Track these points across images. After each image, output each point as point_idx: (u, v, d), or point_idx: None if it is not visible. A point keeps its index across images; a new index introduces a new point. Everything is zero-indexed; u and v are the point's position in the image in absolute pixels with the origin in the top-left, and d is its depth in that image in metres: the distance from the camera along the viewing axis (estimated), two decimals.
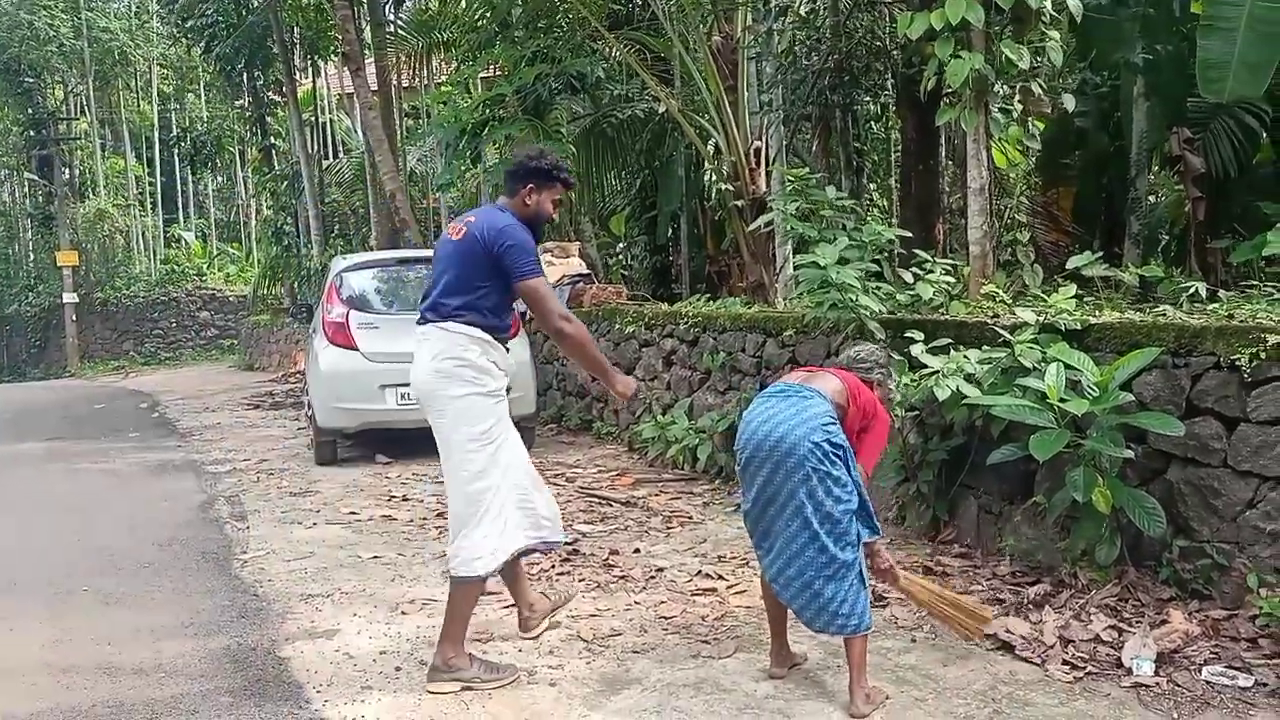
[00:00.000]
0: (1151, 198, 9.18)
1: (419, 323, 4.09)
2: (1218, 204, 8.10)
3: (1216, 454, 4.16)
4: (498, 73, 13.03)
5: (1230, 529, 4.13)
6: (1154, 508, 4.20)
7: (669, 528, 6.25)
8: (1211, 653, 3.84)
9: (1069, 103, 6.95)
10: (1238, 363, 4.03)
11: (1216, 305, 4.97)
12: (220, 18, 19.51)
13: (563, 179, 4.17)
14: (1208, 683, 3.65)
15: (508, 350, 4.15)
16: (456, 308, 3.98)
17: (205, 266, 32.26)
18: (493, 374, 4.03)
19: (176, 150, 29.18)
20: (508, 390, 4.14)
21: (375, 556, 5.87)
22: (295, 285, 20.77)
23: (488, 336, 4.01)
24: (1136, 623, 4.09)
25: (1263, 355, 3.96)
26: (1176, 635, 3.93)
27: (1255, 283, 5.48)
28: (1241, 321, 4.32)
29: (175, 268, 31.07)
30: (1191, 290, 5.43)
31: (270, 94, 22.42)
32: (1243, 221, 8.01)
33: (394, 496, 7.52)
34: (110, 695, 3.96)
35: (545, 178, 4.10)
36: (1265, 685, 3.60)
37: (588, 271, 11.20)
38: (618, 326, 9.34)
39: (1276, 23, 6.21)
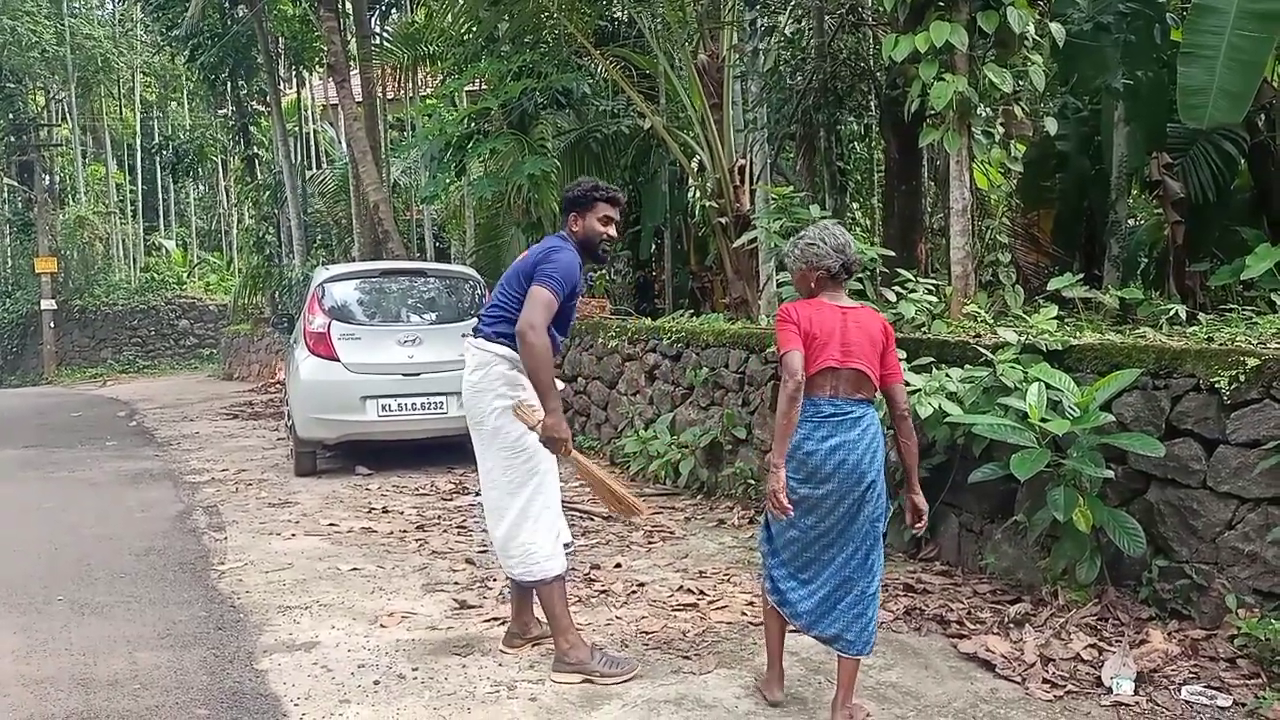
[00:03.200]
0: (1131, 221, 9.26)
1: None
2: (1196, 228, 8.19)
3: (1196, 475, 4.20)
4: (483, 87, 13.05)
5: (1209, 550, 4.16)
6: (1134, 528, 4.23)
7: (650, 543, 6.24)
8: (1190, 672, 3.86)
9: (1051, 126, 7.02)
10: (1217, 385, 4.07)
11: (1196, 328, 5.02)
12: (205, 26, 19.45)
13: (600, 197, 4.32)
14: (1187, 702, 3.67)
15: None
16: (496, 327, 4.22)
17: (185, 275, 32.07)
18: (526, 387, 4.14)
19: (158, 158, 29.01)
20: None
21: (354, 569, 5.83)
22: (276, 295, 20.68)
23: (517, 354, 4.12)
24: (1116, 642, 4.11)
25: (1242, 378, 4.00)
26: (1156, 655, 3.95)
27: (1233, 306, 5.55)
28: (1221, 344, 4.36)
29: (155, 276, 30.83)
30: (1172, 313, 5.48)
31: (254, 103, 22.35)
32: (1221, 246, 8.10)
33: (374, 509, 7.48)
34: (84, 706, 3.92)
35: (581, 203, 4.31)
36: (1244, 705, 3.62)
37: None
38: (601, 341, 9.34)
39: (1255, 52, 6.30)
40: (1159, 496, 4.35)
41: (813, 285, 3.67)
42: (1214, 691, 3.71)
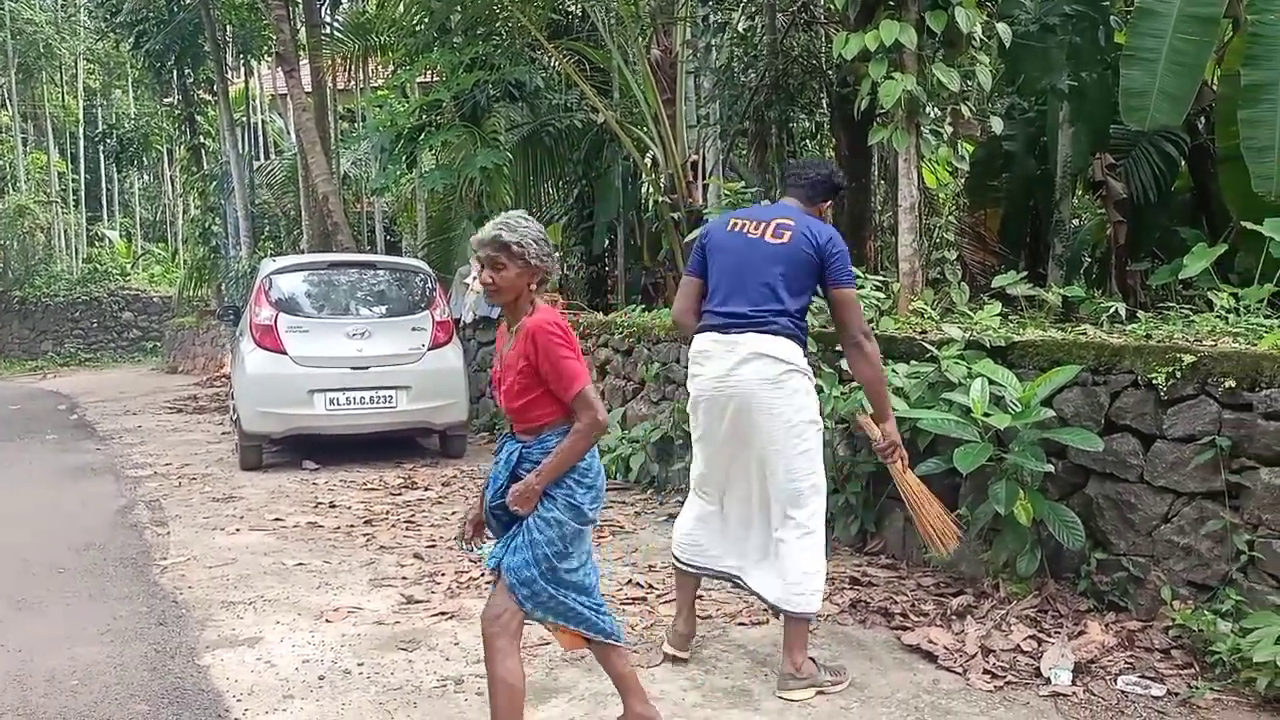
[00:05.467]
0: (1075, 221, 9.43)
1: (725, 330, 3.94)
2: (1138, 228, 8.35)
3: (1133, 469, 4.29)
4: (435, 78, 12.94)
5: (1146, 543, 4.25)
6: (1073, 521, 4.31)
7: (600, 537, 6.25)
8: (1126, 663, 3.95)
9: (997, 126, 7.12)
10: (1154, 381, 4.15)
11: (1135, 325, 5.12)
12: (150, 13, 19.06)
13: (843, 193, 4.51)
14: (1122, 692, 3.75)
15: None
16: (788, 315, 3.92)
17: (129, 266, 31.41)
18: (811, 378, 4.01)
19: (102, 147, 28.41)
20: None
21: (300, 564, 5.77)
22: (222, 287, 20.36)
23: (800, 348, 3.98)
24: (1055, 633, 4.19)
25: (1178, 374, 4.09)
26: (1093, 646, 4.03)
27: (1172, 304, 5.67)
28: (1159, 341, 4.45)
29: (98, 267, 30.16)
30: (1112, 310, 5.59)
31: (201, 92, 21.94)
32: (1161, 245, 8.27)
33: (321, 503, 7.40)
34: (20, 703, 3.84)
35: (836, 193, 4.32)
36: (1177, 695, 3.70)
37: None
38: None
39: (1195, 55, 6.44)
40: (1098, 490, 4.43)
41: (532, 287, 3.15)
42: (1149, 681, 3.79)
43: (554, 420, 3.16)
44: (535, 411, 3.15)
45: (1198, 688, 3.70)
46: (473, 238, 3.15)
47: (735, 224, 4.10)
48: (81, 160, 31.46)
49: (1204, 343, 4.34)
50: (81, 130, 30.76)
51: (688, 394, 4.15)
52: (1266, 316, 4.87)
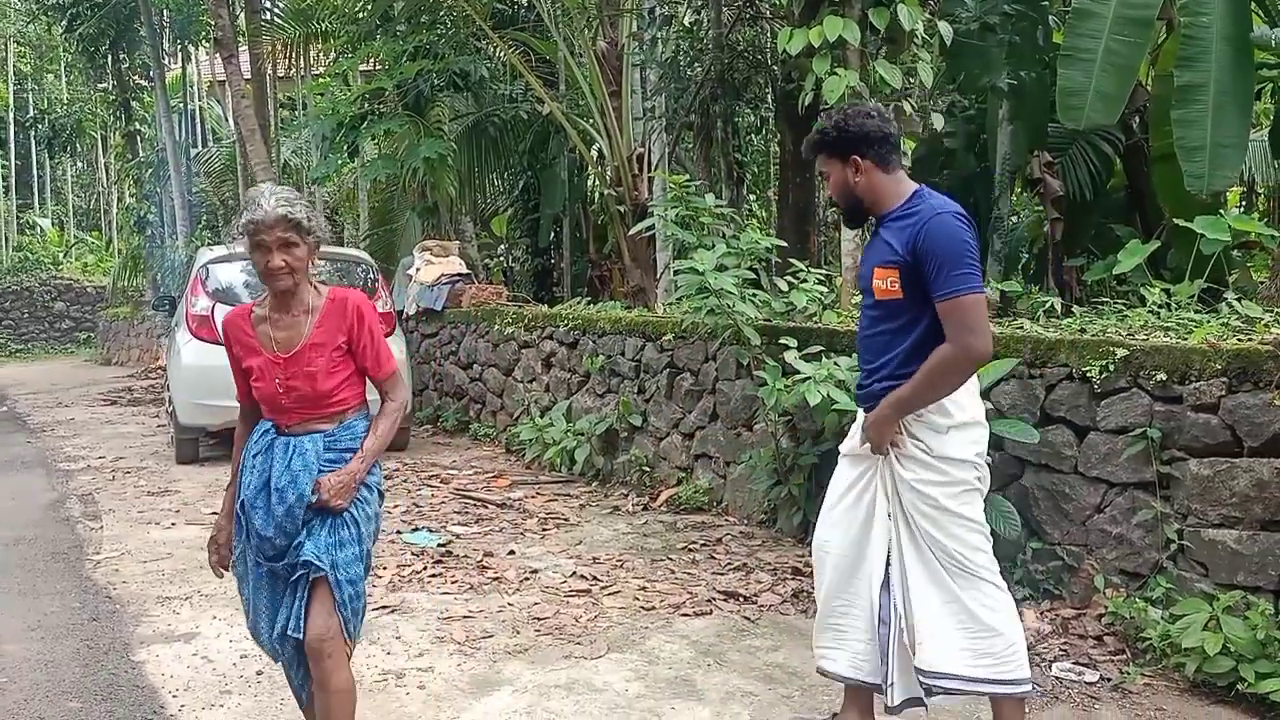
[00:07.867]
0: (1013, 218, 9.56)
1: None
2: (1074, 225, 8.51)
3: (1068, 460, 4.38)
4: (378, 66, 12.80)
5: (1080, 532, 4.34)
6: (1010, 511, 4.39)
7: (545, 529, 6.23)
8: (1061, 650, 4.03)
9: (938, 123, 7.21)
10: (1088, 374, 4.24)
11: (1070, 320, 5.22)
12: None
13: None
14: (1057, 679, 3.83)
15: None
16: None
17: (62, 255, 30.66)
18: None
19: (33, 133, 27.71)
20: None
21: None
22: (158, 277, 19.97)
23: None
24: None
25: (1111, 368, 4.18)
26: (1029, 633, 4.09)
27: (1107, 300, 5.79)
28: (1093, 336, 4.55)
29: (29, 256, 29.40)
30: (1048, 305, 5.69)
31: (136, 78, 21.50)
32: (1096, 242, 8.44)
33: None
34: None
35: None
36: (1109, 680, 3.79)
37: (467, 271, 11.10)
38: (497, 327, 9.27)
39: (1129, 56, 6.57)
40: (1034, 481, 4.52)
41: (313, 263, 3.01)
42: (1082, 668, 3.88)
43: (358, 403, 3.01)
44: (343, 394, 2.96)
45: (1129, 673, 3.79)
46: (254, 217, 2.80)
47: None
48: (12, 146, 30.60)
49: (1136, 337, 4.44)
50: (12, 115, 29.91)
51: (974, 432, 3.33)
52: (1196, 312, 4.99)
